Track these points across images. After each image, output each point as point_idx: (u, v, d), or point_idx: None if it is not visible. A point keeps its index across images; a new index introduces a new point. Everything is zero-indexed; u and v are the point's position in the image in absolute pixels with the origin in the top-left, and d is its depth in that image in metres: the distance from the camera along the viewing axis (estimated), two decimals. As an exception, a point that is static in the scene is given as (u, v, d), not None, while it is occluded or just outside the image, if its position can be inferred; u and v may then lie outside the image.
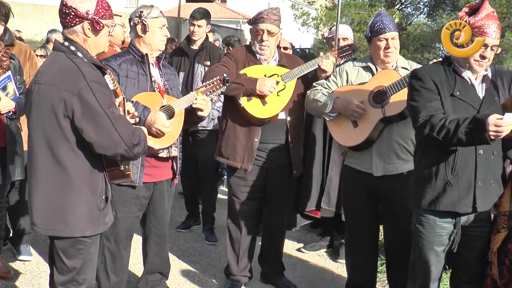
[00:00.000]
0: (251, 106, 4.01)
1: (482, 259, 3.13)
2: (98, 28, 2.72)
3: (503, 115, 2.71)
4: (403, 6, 22.08)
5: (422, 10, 22.01)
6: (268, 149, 4.13)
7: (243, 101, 4.01)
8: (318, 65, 4.12)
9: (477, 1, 3.02)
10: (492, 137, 2.71)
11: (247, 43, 4.47)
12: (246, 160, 4.09)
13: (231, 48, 7.44)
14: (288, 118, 4.13)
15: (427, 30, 17.67)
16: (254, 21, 4.09)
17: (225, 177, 5.78)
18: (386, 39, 3.70)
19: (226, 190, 4.55)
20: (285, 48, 5.56)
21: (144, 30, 3.63)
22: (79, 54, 2.72)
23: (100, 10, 2.72)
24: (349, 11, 18.41)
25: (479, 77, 3.07)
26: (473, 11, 2.98)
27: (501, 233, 3.05)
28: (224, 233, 4.45)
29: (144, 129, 2.96)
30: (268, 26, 4.04)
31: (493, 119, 2.68)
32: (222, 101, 4.54)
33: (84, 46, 2.76)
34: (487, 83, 3.10)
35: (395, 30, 3.75)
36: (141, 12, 3.67)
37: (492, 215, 3.19)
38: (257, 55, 4.15)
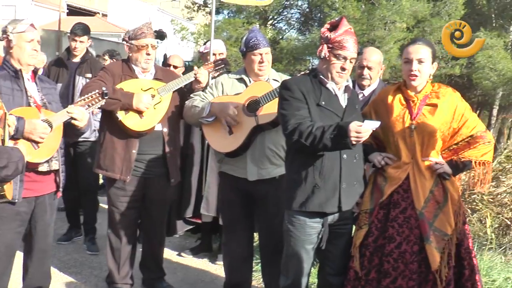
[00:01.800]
0: (129, 119, 4.08)
1: (346, 254, 3.39)
2: None
3: (364, 122, 3.00)
4: (275, 21, 22.88)
5: (293, 26, 22.96)
6: (146, 160, 4.22)
7: (121, 114, 4.06)
8: (193, 77, 4.29)
9: (336, 19, 3.34)
10: (354, 142, 2.96)
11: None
12: (125, 171, 4.16)
13: (114, 61, 7.42)
14: (165, 130, 4.23)
15: (298, 44, 18.44)
16: (135, 37, 4.17)
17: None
18: (261, 54, 3.92)
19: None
20: (176, 67, 5.66)
21: (9, 46, 3.54)
22: None
23: None
24: (226, 28, 18.79)
25: (341, 88, 3.36)
26: (333, 27, 3.28)
27: (362, 229, 3.34)
28: (106, 242, 4.46)
29: (21, 148, 2.84)
30: (152, 41, 4.17)
31: (354, 126, 2.93)
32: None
33: None
34: (349, 93, 3.39)
35: (268, 46, 3.98)
36: (6, 27, 3.57)
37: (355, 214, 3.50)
38: (135, 69, 4.23)
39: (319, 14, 20.91)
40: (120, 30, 33.56)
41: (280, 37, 20.98)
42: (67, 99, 5.33)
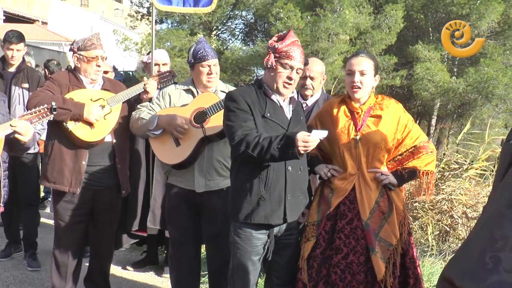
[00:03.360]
0: (79, 130, 3.99)
1: (292, 264, 3.40)
2: None
3: (310, 132, 3.03)
4: (220, 32, 22.91)
5: (237, 36, 23.05)
6: (96, 171, 4.14)
7: (71, 124, 3.98)
8: (143, 88, 4.26)
9: (284, 32, 3.38)
10: (301, 152, 2.97)
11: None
12: (74, 183, 4.05)
13: (47, 72, 7.26)
14: (114, 141, 4.18)
15: (243, 55, 18.49)
16: (85, 48, 4.10)
17: (50, 200, 5.60)
18: (209, 66, 3.93)
19: (49, 213, 4.44)
20: (106, 72, 5.58)
21: None
22: None
23: None
24: (170, 38, 18.64)
25: (286, 99, 3.38)
26: (281, 39, 3.31)
27: (310, 241, 3.36)
28: (48, 257, 4.33)
29: None
30: (102, 52, 4.12)
31: (301, 135, 2.95)
32: (43, 124, 4.43)
33: None
34: (294, 104, 3.42)
35: (216, 57, 3.99)
36: None
37: (301, 224, 3.52)
38: (83, 80, 4.15)
39: (264, 25, 21.07)
40: (61, 38, 32.77)
41: (225, 47, 20.99)
42: None
